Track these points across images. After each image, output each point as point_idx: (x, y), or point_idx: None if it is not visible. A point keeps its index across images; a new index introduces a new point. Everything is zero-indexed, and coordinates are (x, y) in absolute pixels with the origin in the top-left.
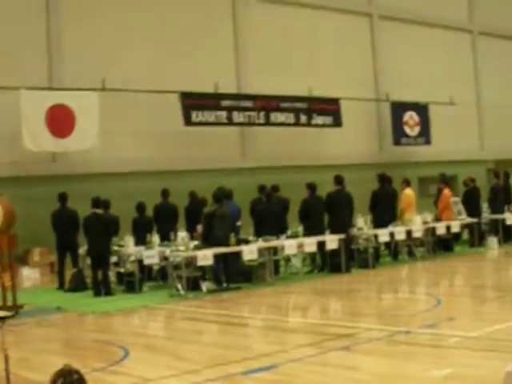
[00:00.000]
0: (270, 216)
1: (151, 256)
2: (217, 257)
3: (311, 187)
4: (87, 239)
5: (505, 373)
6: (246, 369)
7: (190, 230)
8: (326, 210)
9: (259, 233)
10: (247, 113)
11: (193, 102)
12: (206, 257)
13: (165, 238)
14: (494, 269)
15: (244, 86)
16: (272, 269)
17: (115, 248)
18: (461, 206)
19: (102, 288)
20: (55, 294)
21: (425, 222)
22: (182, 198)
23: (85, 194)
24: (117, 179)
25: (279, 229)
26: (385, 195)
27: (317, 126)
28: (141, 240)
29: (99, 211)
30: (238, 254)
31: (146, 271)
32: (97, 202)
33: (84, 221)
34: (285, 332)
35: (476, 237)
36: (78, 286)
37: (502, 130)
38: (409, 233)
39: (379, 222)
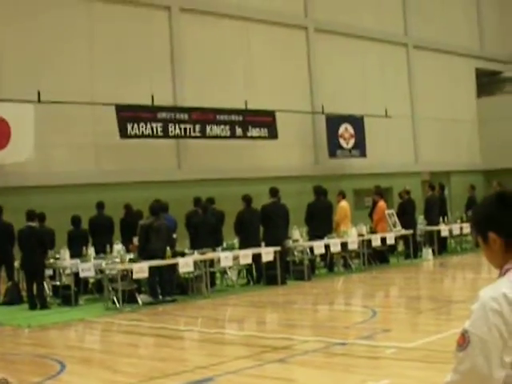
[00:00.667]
0: (205, 228)
1: (87, 269)
2: (152, 269)
3: (246, 199)
4: (21, 253)
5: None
6: (183, 382)
7: (126, 242)
8: (262, 222)
9: (195, 245)
10: (183, 125)
11: (128, 115)
12: (141, 269)
13: (100, 250)
14: (429, 280)
15: (180, 99)
16: (208, 281)
17: (51, 261)
18: (396, 218)
19: (37, 301)
20: None
21: (360, 234)
22: (117, 211)
23: (20, 206)
24: (53, 192)
25: (215, 241)
26: (320, 207)
27: (252, 138)
28: (76, 253)
29: (34, 224)
30: (173, 267)
31: (81, 284)
32: (31, 215)
33: (18, 234)
34: (222, 344)
35: (411, 248)
36: (13, 299)
37: (437, 143)
38: (344, 245)
39: (315, 234)
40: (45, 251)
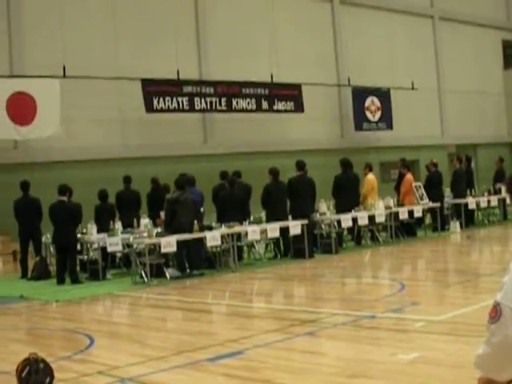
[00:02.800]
0: (232, 202)
1: (114, 243)
2: (180, 243)
3: (273, 173)
4: (54, 227)
5: (475, 356)
6: (212, 355)
7: (153, 216)
8: (289, 195)
9: (222, 219)
10: (209, 99)
11: (154, 89)
12: (169, 243)
13: (127, 225)
14: (456, 253)
15: (205, 73)
16: (235, 255)
17: (78, 236)
18: (423, 191)
19: (69, 276)
20: (18, 283)
21: (387, 207)
22: (144, 185)
23: (47, 181)
24: (79, 167)
25: (242, 215)
26: (347, 180)
27: (278, 111)
28: (103, 227)
29: (64, 199)
30: (201, 241)
31: (109, 259)
32: (63, 190)
33: (50, 208)
34: (250, 318)
35: (439, 221)
36: (41, 274)
37: (463, 116)
38: (371, 218)
39: (342, 207)
40: (76, 226)
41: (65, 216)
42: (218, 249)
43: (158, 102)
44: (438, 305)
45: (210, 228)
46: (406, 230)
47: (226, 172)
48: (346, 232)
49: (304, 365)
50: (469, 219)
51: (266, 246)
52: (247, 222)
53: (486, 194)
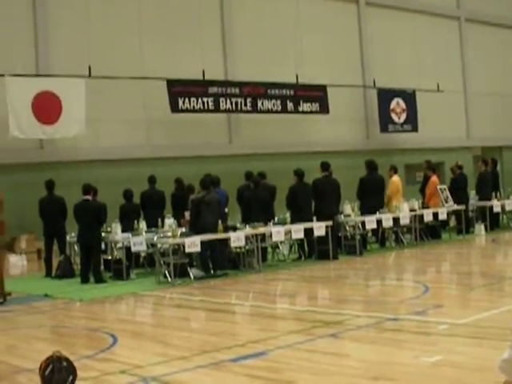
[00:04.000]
0: (257, 203)
1: (139, 243)
2: (204, 244)
3: (298, 174)
4: (78, 226)
5: (500, 360)
6: (235, 356)
7: (177, 216)
8: (313, 196)
9: (247, 220)
10: (234, 100)
11: (180, 89)
12: (193, 243)
13: (152, 224)
14: (481, 256)
15: (231, 73)
16: (259, 256)
17: (103, 235)
18: (448, 193)
19: (92, 276)
20: (43, 281)
21: (412, 209)
22: (168, 185)
23: (72, 181)
24: (103, 166)
25: (266, 216)
26: (372, 182)
27: (304, 112)
28: (128, 227)
29: (89, 198)
30: (225, 241)
31: (133, 258)
32: (87, 189)
33: (74, 208)
34: (273, 319)
35: (463, 224)
36: (65, 273)
37: (489, 118)
38: (396, 220)
39: (367, 208)
40: (100, 225)
41: (89, 215)
42: (243, 249)
43: (184, 103)
44: (461, 308)
45: (235, 228)
46: (431, 232)
47: (251, 172)
48: (370, 234)
49: (327, 366)
50: (494, 222)
51: (290, 247)
52: (272, 223)
53: (511, 196)
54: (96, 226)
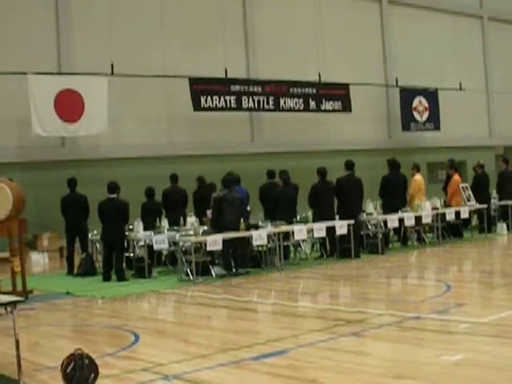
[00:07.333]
0: (285, 201)
1: (161, 241)
2: (226, 242)
3: (321, 172)
4: (102, 224)
5: None
6: (256, 354)
7: (199, 215)
8: (336, 195)
9: (273, 217)
10: (256, 98)
11: (202, 88)
12: (215, 242)
13: (174, 222)
14: (503, 255)
15: (253, 71)
16: (281, 254)
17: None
18: (470, 192)
19: (115, 274)
20: (64, 279)
21: (434, 208)
22: (190, 183)
23: (94, 179)
24: (125, 164)
25: (293, 213)
26: (395, 181)
27: (326, 111)
28: (150, 225)
29: (115, 196)
30: (247, 239)
31: (155, 256)
32: (112, 188)
33: (99, 206)
34: (295, 317)
35: (485, 223)
36: (87, 270)
37: (511, 117)
38: (418, 218)
39: (389, 207)
40: (124, 224)
41: (114, 213)
42: (264, 248)
43: (206, 101)
44: (483, 307)
45: (257, 227)
46: (453, 231)
47: (273, 171)
48: (392, 232)
49: (348, 365)
50: None
51: (313, 245)
52: (294, 221)
53: None
54: (121, 224)
